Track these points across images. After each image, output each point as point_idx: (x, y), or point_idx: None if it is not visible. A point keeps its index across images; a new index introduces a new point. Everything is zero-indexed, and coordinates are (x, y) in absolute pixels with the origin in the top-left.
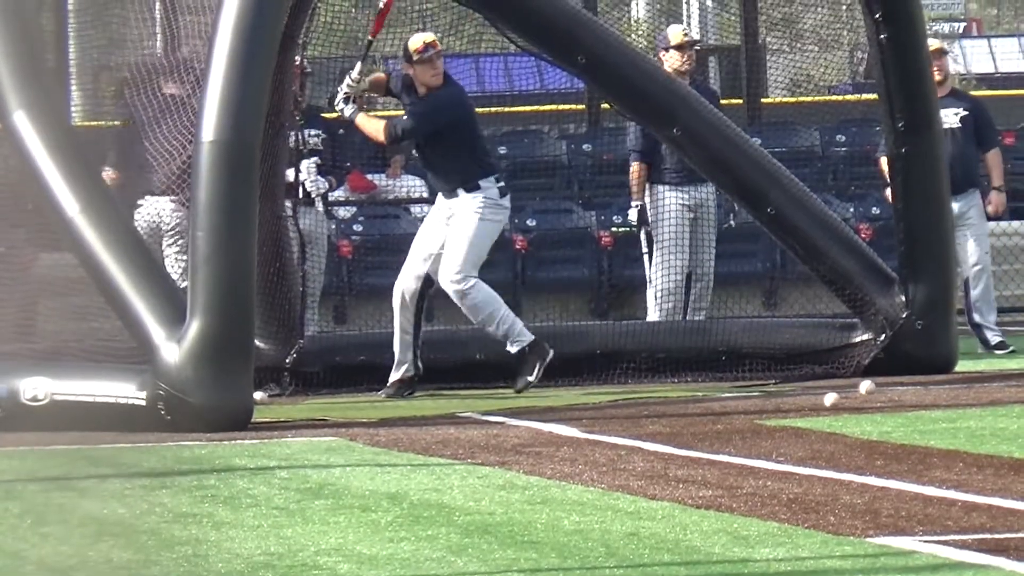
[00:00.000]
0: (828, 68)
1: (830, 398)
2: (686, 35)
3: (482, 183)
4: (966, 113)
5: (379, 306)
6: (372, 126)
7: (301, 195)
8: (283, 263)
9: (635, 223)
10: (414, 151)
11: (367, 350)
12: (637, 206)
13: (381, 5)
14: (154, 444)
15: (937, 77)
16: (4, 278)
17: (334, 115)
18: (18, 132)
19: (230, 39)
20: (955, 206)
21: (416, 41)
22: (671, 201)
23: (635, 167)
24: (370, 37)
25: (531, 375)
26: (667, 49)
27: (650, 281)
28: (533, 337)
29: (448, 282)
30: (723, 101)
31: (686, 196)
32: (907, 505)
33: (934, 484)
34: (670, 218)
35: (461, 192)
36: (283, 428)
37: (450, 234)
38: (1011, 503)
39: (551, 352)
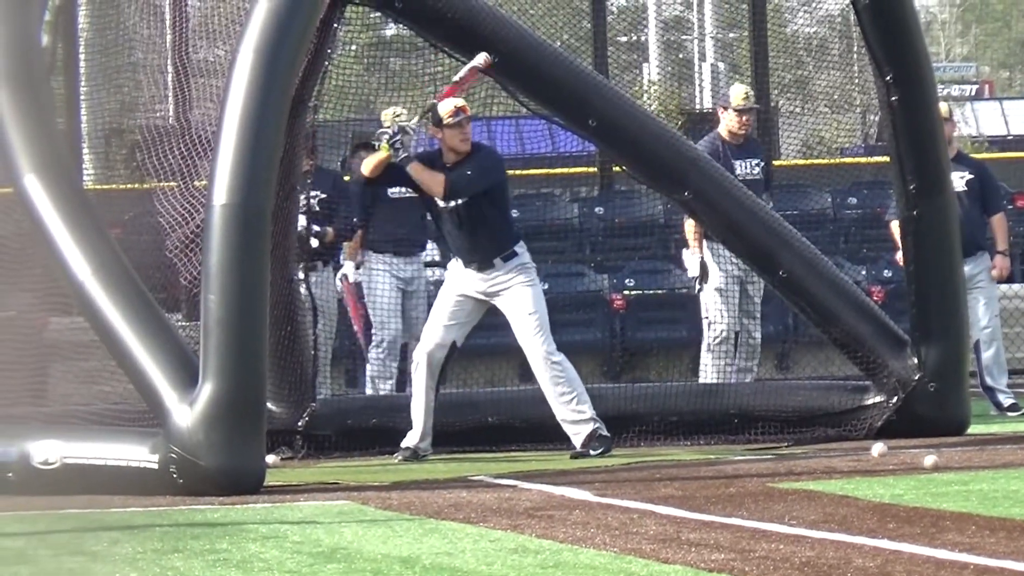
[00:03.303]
0: (840, 130)
1: (930, 460)
2: (747, 97)
3: (517, 249)
4: (972, 177)
5: None
6: (429, 176)
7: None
8: (295, 326)
9: (697, 276)
10: (441, 216)
11: (379, 413)
12: (697, 256)
13: (458, 77)
14: (166, 508)
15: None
16: (16, 341)
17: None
18: (29, 195)
19: (242, 102)
20: (965, 269)
21: (447, 106)
22: (725, 260)
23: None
24: (434, 100)
25: (593, 451)
26: (726, 108)
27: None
28: (601, 424)
29: (540, 362)
30: None
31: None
32: (919, 568)
33: (947, 547)
34: (725, 275)
35: (499, 262)
36: (295, 491)
37: (513, 313)
38: None
39: (612, 443)
